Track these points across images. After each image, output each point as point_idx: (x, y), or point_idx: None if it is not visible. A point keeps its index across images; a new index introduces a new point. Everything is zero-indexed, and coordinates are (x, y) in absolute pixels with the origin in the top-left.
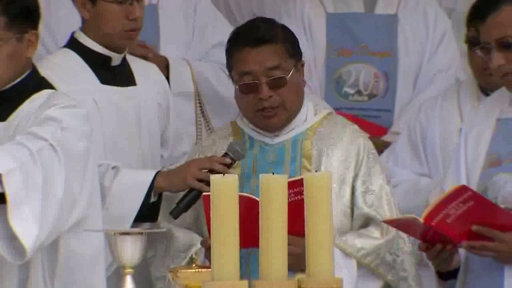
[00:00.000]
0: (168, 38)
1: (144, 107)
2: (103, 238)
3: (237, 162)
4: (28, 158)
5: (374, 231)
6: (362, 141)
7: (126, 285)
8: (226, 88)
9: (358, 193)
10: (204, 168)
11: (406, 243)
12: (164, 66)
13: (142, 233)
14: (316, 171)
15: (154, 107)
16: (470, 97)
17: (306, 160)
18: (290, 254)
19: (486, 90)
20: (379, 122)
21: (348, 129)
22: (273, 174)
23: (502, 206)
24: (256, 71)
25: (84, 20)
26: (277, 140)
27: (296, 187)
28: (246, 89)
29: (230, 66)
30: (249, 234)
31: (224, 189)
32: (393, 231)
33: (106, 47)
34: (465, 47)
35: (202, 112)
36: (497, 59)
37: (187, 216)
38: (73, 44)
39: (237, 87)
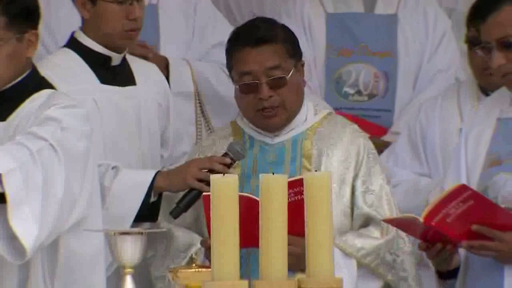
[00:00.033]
0: (168, 38)
1: (144, 107)
2: (103, 238)
3: (237, 162)
4: (28, 158)
5: (374, 231)
6: (362, 141)
7: (126, 285)
8: (226, 88)
9: (358, 193)
10: (204, 168)
11: (406, 243)
12: (164, 66)
13: (142, 233)
14: (316, 171)
15: (154, 107)
16: (470, 97)
17: (306, 160)
18: (290, 254)
19: (486, 90)
20: (379, 122)
21: (348, 129)
22: (273, 174)
23: (502, 205)
24: (256, 71)
25: (84, 20)
26: (277, 140)
27: (296, 187)
28: (246, 89)
29: (230, 66)
30: (249, 234)
31: (224, 189)
32: (393, 231)
33: (106, 47)
34: (465, 47)
35: (202, 112)
36: (498, 58)
37: (187, 216)
38: (73, 44)
39: (237, 87)
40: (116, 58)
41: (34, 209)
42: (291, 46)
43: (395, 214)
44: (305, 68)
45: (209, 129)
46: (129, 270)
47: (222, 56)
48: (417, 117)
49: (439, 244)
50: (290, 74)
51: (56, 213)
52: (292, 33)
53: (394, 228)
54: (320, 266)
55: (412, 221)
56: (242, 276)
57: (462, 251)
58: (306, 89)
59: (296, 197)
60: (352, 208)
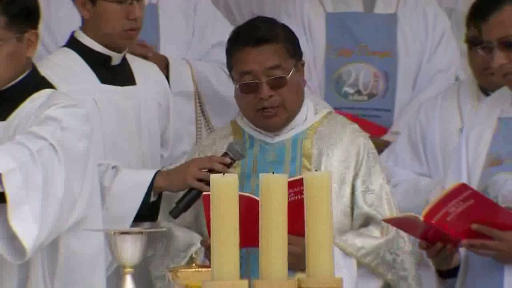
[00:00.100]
0: (168, 38)
1: (144, 107)
2: (103, 238)
3: (236, 161)
4: (28, 158)
5: (374, 231)
6: (362, 141)
7: (126, 285)
8: (226, 88)
9: (358, 192)
10: (204, 168)
11: (406, 243)
12: (164, 66)
13: (142, 232)
14: (316, 170)
15: (154, 107)
16: (470, 97)
17: (306, 160)
18: (290, 254)
19: (486, 90)
20: (379, 122)
21: (348, 128)
22: (273, 173)
23: (503, 205)
24: (256, 71)
25: (84, 20)
26: (277, 139)
27: (296, 186)
28: (247, 88)
29: (230, 65)
30: (249, 234)
31: (224, 189)
32: (393, 230)
33: (106, 46)
34: (465, 47)
35: (202, 112)
36: (499, 58)
37: (187, 215)
38: (73, 43)
39: (237, 86)
40: (116, 58)
41: (34, 209)
42: (291, 46)
43: (395, 214)
44: (305, 68)
45: (209, 129)
46: (129, 269)
47: (222, 56)
48: (417, 117)
49: (439, 243)
50: (290, 74)
51: (56, 213)
52: (293, 32)
53: (394, 228)
54: (320, 266)
55: (413, 220)
56: (242, 276)
57: (462, 250)
58: (306, 89)
59: (296, 197)
60: (352, 208)
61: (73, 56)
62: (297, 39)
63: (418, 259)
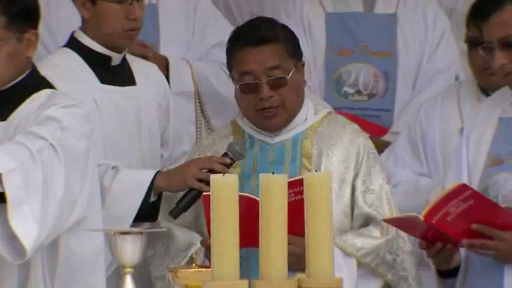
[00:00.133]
0: (168, 38)
1: (144, 107)
2: (103, 238)
3: (236, 162)
4: (28, 158)
5: (374, 231)
6: (362, 141)
7: (126, 285)
8: (226, 88)
9: (358, 192)
10: (204, 168)
11: (406, 243)
12: (164, 66)
13: (142, 232)
14: (316, 170)
15: (154, 107)
16: (470, 97)
17: (306, 160)
18: (290, 254)
19: (486, 90)
20: (379, 122)
21: (348, 128)
22: (273, 173)
23: (503, 205)
24: (256, 71)
25: (84, 20)
26: (277, 139)
27: (296, 187)
28: (247, 89)
29: (230, 65)
30: (249, 234)
31: (224, 189)
32: (393, 230)
33: (106, 46)
34: (465, 47)
35: (202, 112)
36: (500, 58)
37: (187, 215)
38: (73, 43)
39: (238, 86)
40: (116, 58)
41: (34, 209)
42: (292, 46)
43: (395, 214)
44: (305, 68)
45: (209, 129)
46: (129, 270)
47: (222, 56)
48: (417, 117)
49: (439, 244)
50: (291, 74)
51: (56, 213)
52: (293, 33)
53: (394, 228)
54: (320, 266)
55: (413, 220)
56: (242, 276)
57: (462, 250)
58: (306, 89)
59: (296, 197)
60: (352, 208)
61: (73, 56)
62: (297, 39)
63: (418, 259)
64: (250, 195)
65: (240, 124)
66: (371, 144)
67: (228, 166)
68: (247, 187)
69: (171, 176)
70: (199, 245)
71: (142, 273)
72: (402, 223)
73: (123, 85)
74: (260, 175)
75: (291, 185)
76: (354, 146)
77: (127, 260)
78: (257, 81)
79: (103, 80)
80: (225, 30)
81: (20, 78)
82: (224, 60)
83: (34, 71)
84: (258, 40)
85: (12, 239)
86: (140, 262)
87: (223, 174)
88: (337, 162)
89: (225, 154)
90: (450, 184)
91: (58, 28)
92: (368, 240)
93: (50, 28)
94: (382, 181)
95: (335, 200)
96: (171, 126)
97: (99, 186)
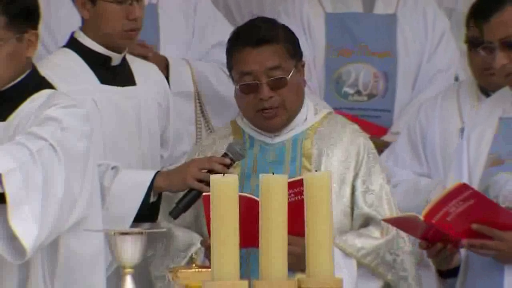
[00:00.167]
0: (168, 38)
1: (144, 107)
2: (103, 238)
3: (236, 162)
4: (28, 158)
5: (374, 231)
6: (362, 141)
7: (126, 285)
8: (226, 88)
9: (358, 192)
10: (203, 168)
11: (406, 243)
12: (164, 66)
13: (142, 233)
14: (316, 171)
15: (154, 107)
16: (470, 97)
17: (306, 160)
18: (290, 254)
19: (486, 90)
20: (379, 122)
21: (348, 129)
22: (273, 174)
23: (503, 205)
24: (256, 71)
25: (84, 20)
26: (277, 139)
27: (296, 187)
28: (247, 89)
29: (230, 66)
30: (249, 234)
31: (224, 189)
32: (393, 231)
33: (106, 47)
34: (464, 47)
35: (202, 112)
36: (501, 58)
37: (187, 215)
38: (73, 44)
39: (237, 87)
40: (116, 58)
41: (34, 209)
42: (292, 46)
43: (395, 214)
44: (305, 68)
45: (209, 129)
46: (129, 270)
47: (222, 56)
48: (416, 117)
49: (440, 244)
50: (291, 74)
51: (56, 213)
52: (293, 33)
53: (394, 228)
54: (320, 266)
55: (413, 220)
56: (242, 276)
57: (463, 250)
58: (305, 89)
59: (296, 198)
60: (352, 208)
61: (73, 57)
62: (297, 40)
63: (418, 259)
64: (250, 195)
65: (240, 124)
66: (371, 144)
67: (228, 166)
68: (247, 187)
69: (171, 176)
70: (199, 245)
71: (142, 273)
72: (402, 223)
73: (123, 85)
74: (260, 175)
75: (291, 185)
76: (354, 146)
77: (127, 260)
78: (257, 81)
79: (103, 80)
80: (225, 30)
81: (20, 78)
82: (224, 60)
83: (34, 71)
84: (258, 41)
85: (12, 239)
86: (140, 262)
87: (223, 175)
88: (337, 162)
89: (225, 155)
90: (451, 184)
91: (58, 28)
92: (368, 241)
93: (50, 28)
94: (382, 181)
95: (335, 200)
96: (171, 126)
97: (99, 186)
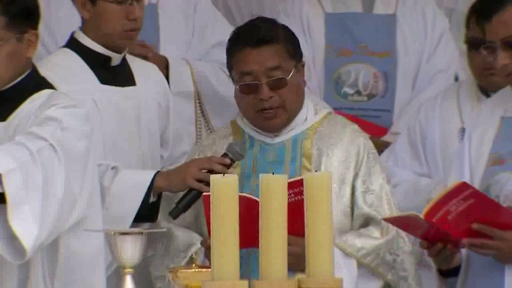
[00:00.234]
0: (168, 38)
1: (144, 107)
2: (103, 238)
3: (236, 162)
4: (28, 158)
5: (374, 231)
6: (362, 141)
7: (126, 285)
8: (226, 88)
9: (358, 192)
10: (203, 168)
11: (406, 243)
12: (164, 66)
13: (142, 233)
14: (316, 171)
15: (154, 107)
16: (469, 97)
17: (306, 160)
18: (290, 254)
19: (486, 90)
20: (379, 122)
21: (348, 129)
22: (273, 174)
23: (504, 204)
24: (256, 71)
25: (84, 20)
26: (277, 139)
27: (296, 187)
28: (247, 89)
29: (230, 66)
30: (249, 234)
31: (224, 189)
32: (393, 231)
33: (106, 47)
34: (464, 47)
35: (202, 112)
36: (502, 58)
37: (187, 215)
38: (72, 44)
39: (237, 87)
40: (116, 58)
41: (34, 209)
42: (292, 47)
43: (395, 214)
44: (305, 68)
45: (209, 129)
46: (129, 270)
47: (222, 56)
48: (416, 117)
49: (440, 244)
50: (291, 74)
51: (56, 213)
52: (293, 33)
53: (394, 228)
54: (320, 266)
55: (413, 219)
56: (242, 276)
57: (463, 250)
58: (305, 89)
59: (296, 198)
60: (352, 208)
61: (73, 57)
62: (298, 40)
63: (418, 259)
64: (250, 196)
65: (240, 124)
66: (371, 144)
67: (228, 166)
68: (247, 187)
69: (171, 176)
70: (199, 245)
71: (142, 273)
72: (402, 222)
73: (123, 85)
74: (260, 175)
75: (291, 185)
76: (354, 146)
77: (127, 260)
78: (257, 81)
79: (103, 80)
80: (225, 30)
81: (20, 78)
82: (224, 60)
83: (34, 71)
84: (258, 41)
85: (12, 239)
86: (140, 262)
87: (223, 175)
88: (337, 162)
89: (225, 155)
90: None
91: (58, 28)
92: (368, 241)
93: (50, 28)
94: (382, 181)
95: (335, 200)
96: (171, 126)
97: (99, 186)
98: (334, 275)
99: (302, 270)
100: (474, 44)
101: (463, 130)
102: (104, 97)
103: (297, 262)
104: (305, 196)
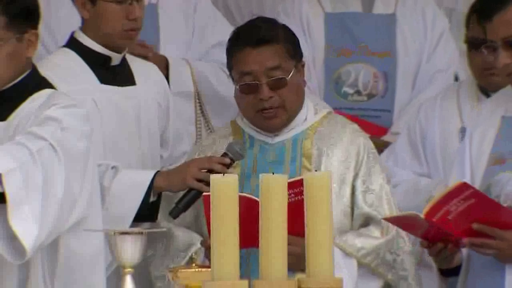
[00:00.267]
0: (168, 38)
1: (144, 107)
2: (103, 238)
3: (236, 162)
4: (28, 158)
5: (374, 231)
6: (362, 141)
7: (126, 285)
8: (226, 88)
9: (358, 192)
10: (203, 168)
11: (406, 243)
12: (164, 66)
13: (142, 233)
14: (316, 170)
15: (154, 107)
16: (469, 97)
17: (306, 160)
18: (290, 254)
19: (486, 90)
20: (379, 122)
21: (348, 128)
22: (273, 173)
23: (505, 204)
24: (256, 71)
25: (84, 20)
26: (277, 139)
27: (296, 187)
28: (247, 89)
29: (230, 66)
30: (249, 234)
31: (224, 189)
32: (393, 230)
33: (106, 47)
34: (464, 46)
35: (202, 112)
36: (503, 58)
37: (187, 215)
38: (72, 44)
39: (237, 87)
40: (116, 58)
41: (34, 209)
42: (292, 47)
43: (395, 214)
44: (305, 68)
45: (209, 129)
46: (129, 270)
47: (222, 56)
48: (416, 117)
49: (440, 244)
50: (291, 74)
51: (56, 213)
52: (293, 33)
53: (394, 228)
54: (320, 266)
55: (414, 218)
56: (242, 276)
57: (464, 249)
58: (305, 89)
59: (296, 198)
60: (352, 208)
61: (73, 56)
62: (298, 40)
63: (418, 259)
64: (250, 196)
65: (240, 124)
66: (371, 144)
67: (228, 166)
68: (247, 187)
69: (171, 176)
70: (199, 245)
71: (142, 273)
72: (402, 222)
73: (123, 85)
74: (260, 175)
75: (291, 185)
76: (354, 146)
77: (127, 260)
78: (257, 81)
79: (103, 80)
80: (225, 30)
81: (20, 78)
82: (224, 60)
83: (34, 71)
84: (258, 41)
85: (12, 239)
86: (140, 262)
87: (223, 174)
88: (337, 162)
89: (225, 154)
90: (452, 183)
91: (58, 28)
92: (368, 240)
93: (50, 28)
94: (382, 181)
95: (335, 200)
96: (171, 126)
97: (99, 186)
98: (334, 275)
99: (302, 270)
100: (474, 44)
101: (463, 130)
102: (104, 97)
103: (297, 262)
104: (305, 196)
